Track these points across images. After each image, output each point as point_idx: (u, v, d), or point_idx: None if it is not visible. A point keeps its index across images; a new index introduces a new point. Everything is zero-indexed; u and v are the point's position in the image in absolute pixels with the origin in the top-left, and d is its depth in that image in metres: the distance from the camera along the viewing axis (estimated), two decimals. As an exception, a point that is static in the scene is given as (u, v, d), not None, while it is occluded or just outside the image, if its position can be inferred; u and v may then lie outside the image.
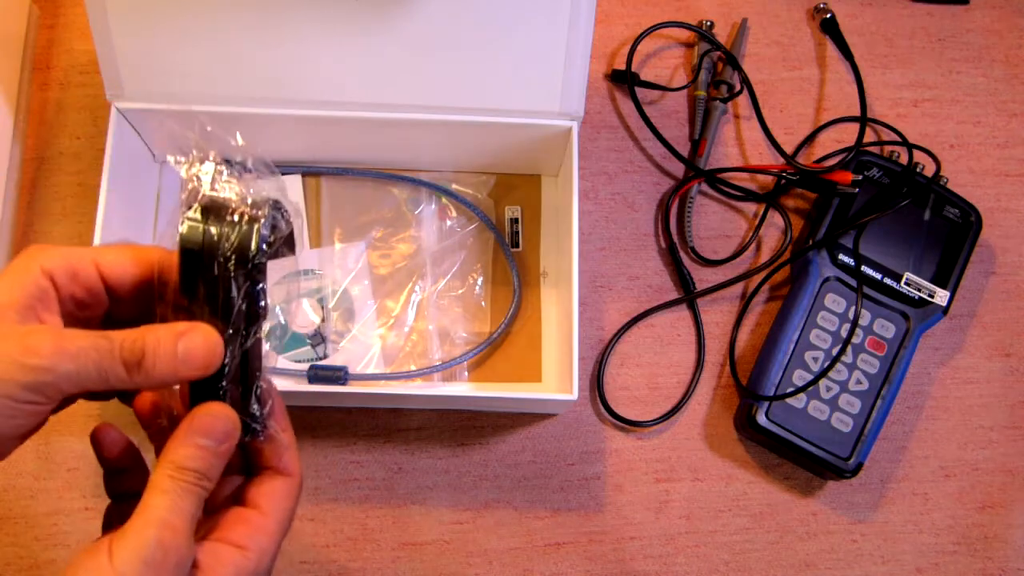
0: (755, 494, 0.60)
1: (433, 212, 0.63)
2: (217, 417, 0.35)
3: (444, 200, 0.63)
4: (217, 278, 0.33)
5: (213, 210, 0.34)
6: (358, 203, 0.63)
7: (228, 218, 0.33)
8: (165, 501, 0.33)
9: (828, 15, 0.68)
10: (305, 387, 0.57)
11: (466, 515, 0.58)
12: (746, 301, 0.63)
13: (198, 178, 0.34)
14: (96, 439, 0.40)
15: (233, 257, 0.33)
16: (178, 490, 0.34)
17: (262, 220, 0.34)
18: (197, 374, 0.34)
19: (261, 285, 0.34)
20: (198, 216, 0.34)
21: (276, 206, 0.35)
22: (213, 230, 0.33)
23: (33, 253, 0.35)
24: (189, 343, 0.33)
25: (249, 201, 0.34)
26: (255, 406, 0.37)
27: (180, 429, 0.35)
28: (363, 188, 0.63)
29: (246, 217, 0.34)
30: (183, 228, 0.33)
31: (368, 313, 0.60)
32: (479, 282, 0.61)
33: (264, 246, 0.34)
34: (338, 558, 0.57)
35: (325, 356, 0.60)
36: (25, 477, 0.57)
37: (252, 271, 0.34)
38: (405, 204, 0.63)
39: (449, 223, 0.62)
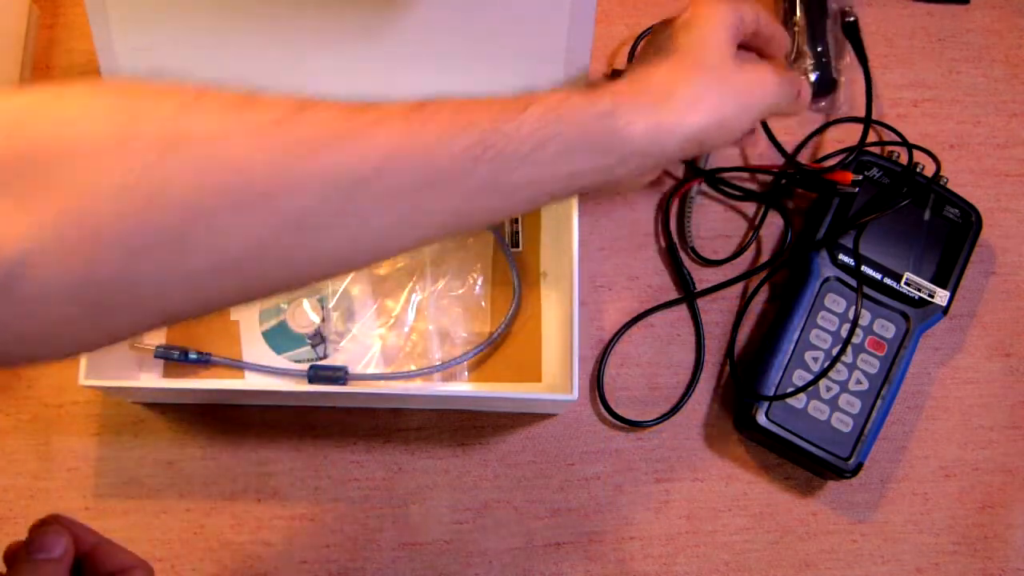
0: (755, 494, 0.60)
1: None
2: (51, 531, 0.35)
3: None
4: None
5: None
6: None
7: None
8: None
9: (852, 19, 0.67)
10: (305, 387, 0.57)
11: (466, 515, 0.58)
12: (746, 301, 0.63)
13: None
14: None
15: None
16: None
17: None
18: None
19: None
20: None
21: None
22: None
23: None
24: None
25: None
26: None
27: (18, 553, 0.35)
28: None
29: None
30: None
31: (368, 313, 0.60)
32: (479, 282, 0.61)
33: None
34: (338, 558, 0.57)
35: (325, 356, 0.60)
36: (25, 477, 0.57)
37: None
38: None
39: None
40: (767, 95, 0.45)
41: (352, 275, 0.61)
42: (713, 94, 0.42)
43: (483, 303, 0.61)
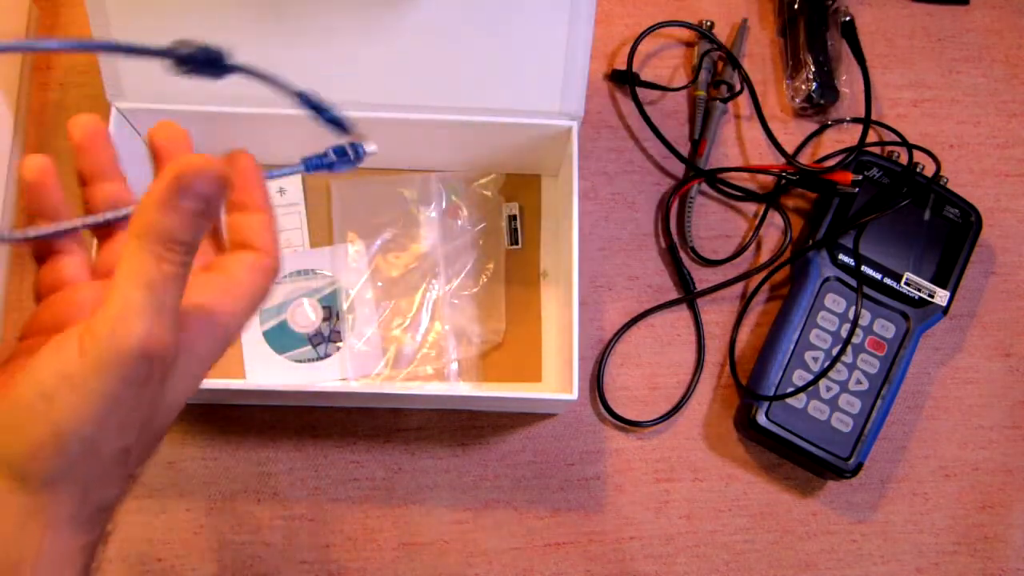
0: (755, 494, 0.60)
1: (443, 212, 0.63)
2: (209, 172, 0.27)
3: (454, 199, 0.63)
4: None
5: None
6: (368, 205, 0.63)
7: None
8: (152, 298, 0.26)
9: (848, 18, 0.67)
10: (305, 387, 0.57)
11: (466, 515, 0.58)
12: (746, 301, 0.63)
13: None
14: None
15: None
16: (165, 279, 0.27)
17: None
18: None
19: None
20: None
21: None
22: None
23: None
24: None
25: None
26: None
27: (163, 186, 0.26)
28: (372, 190, 0.63)
29: None
30: None
31: (383, 315, 0.60)
32: (492, 279, 0.61)
33: None
34: (338, 558, 0.57)
35: (327, 356, 0.60)
36: (25, 477, 0.57)
37: None
38: (414, 205, 0.63)
39: (459, 222, 0.62)
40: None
41: (365, 277, 0.61)
42: None
43: (498, 300, 0.61)
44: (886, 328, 0.60)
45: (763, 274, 0.64)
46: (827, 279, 0.61)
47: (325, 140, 0.64)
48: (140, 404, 0.28)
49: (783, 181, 0.64)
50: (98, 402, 0.27)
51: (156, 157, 0.34)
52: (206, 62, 0.30)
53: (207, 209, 0.27)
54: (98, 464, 0.28)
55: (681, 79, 0.68)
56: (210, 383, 0.57)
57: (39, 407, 0.27)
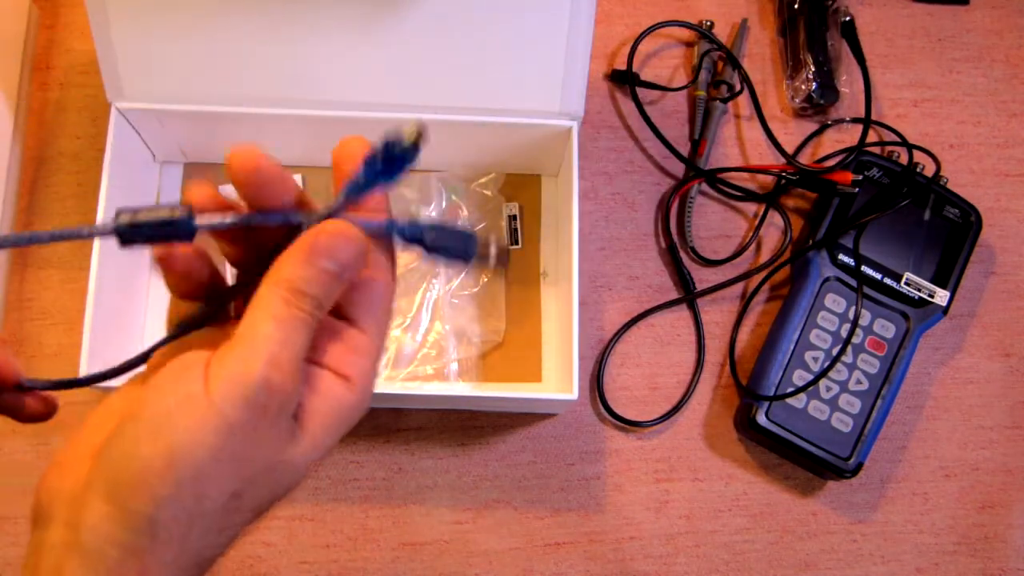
0: (755, 494, 0.60)
1: (443, 212, 0.63)
2: (350, 240, 0.29)
3: (454, 199, 0.63)
4: None
5: None
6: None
7: None
8: (278, 333, 0.28)
9: (848, 18, 0.67)
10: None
11: (466, 515, 0.58)
12: (746, 301, 0.63)
13: None
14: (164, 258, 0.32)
15: None
16: (293, 320, 0.28)
17: None
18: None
19: None
20: None
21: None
22: None
23: None
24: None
25: None
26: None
27: (302, 246, 0.29)
28: (371, 190, 0.63)
29: None
30: None
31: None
32: (492, 279, 0.61)
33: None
34: (338, 558, 0.57)
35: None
36: (25, 477, 0.57)
37: None
38: (414, 205, 0.63)
39: (459, 222, 0.62)
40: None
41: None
42: None
43: (498, 300, 0.61)
44: (886, 328, 0.60)
45: (763, 274, 0.64)
46: (827, 279, 0.61)
47: (323, 139, 0.64)
48: (256, 442, 0.28)
49: (783, 181, 0.64)
50: (216, 427, 0.27)
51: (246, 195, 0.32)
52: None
53: (341, 273, 0.29)
54: (204, 504, 0.27)
55: (681, 79, 0.68)
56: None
57: (159, 425, 0.27)
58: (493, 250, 0.33)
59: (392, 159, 0.30)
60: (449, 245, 0.32)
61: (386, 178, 0.30)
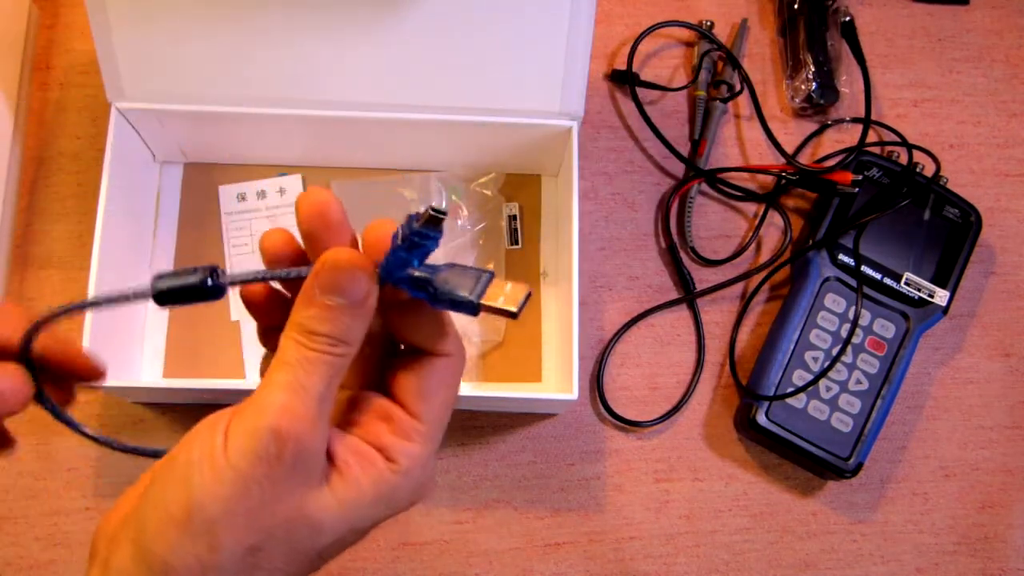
0: (755, 494, 0.60)
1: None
2: (343, 269, 0.28)
3: (454, 199, 0.63)
4: None
5: None
6: (368, 205, 0.63)
7: None
8: (288, 378, 0.28)
9: (848, 18, 0.67)
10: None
11: (466, 515, 0.58)
12: (746, 301, 0.63)
13: None
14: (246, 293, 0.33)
15: None
16: (305, 362, 0.28)
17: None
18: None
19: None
20: None
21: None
22: None
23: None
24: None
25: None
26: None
27: (305, 285, 0.29)
28: (372, 190, 0.63)
29: None
30: None
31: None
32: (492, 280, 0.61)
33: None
34: (338, 558, 0.57)
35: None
36: (25, 477, 0.57)
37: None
38: (414, 205, 0.63)
39: (459, 222, 0.62)
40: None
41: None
42: None
43: None
44: (886, 328, 0.60)
45: (763, 274, 0.64)
46: (827, 279, 0.61)
47: (323, 139, 0.63)
48: (274, 493, 0.28)
49: (783, 181, 0.64)
50: (231, 481, 0.27)
51: (305, 239, 0.32)
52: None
53: (349, 304, 0.28)
54: (219, 556, 0.28)
55: (681, 79, 0.68)
56: (210, 383, 0.58)
57: (183, 475, 0.28)
58: (523, 300, 0.30)
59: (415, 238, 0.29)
60: (457, 291, 0.30)
61: (414, 255, 0.30)
